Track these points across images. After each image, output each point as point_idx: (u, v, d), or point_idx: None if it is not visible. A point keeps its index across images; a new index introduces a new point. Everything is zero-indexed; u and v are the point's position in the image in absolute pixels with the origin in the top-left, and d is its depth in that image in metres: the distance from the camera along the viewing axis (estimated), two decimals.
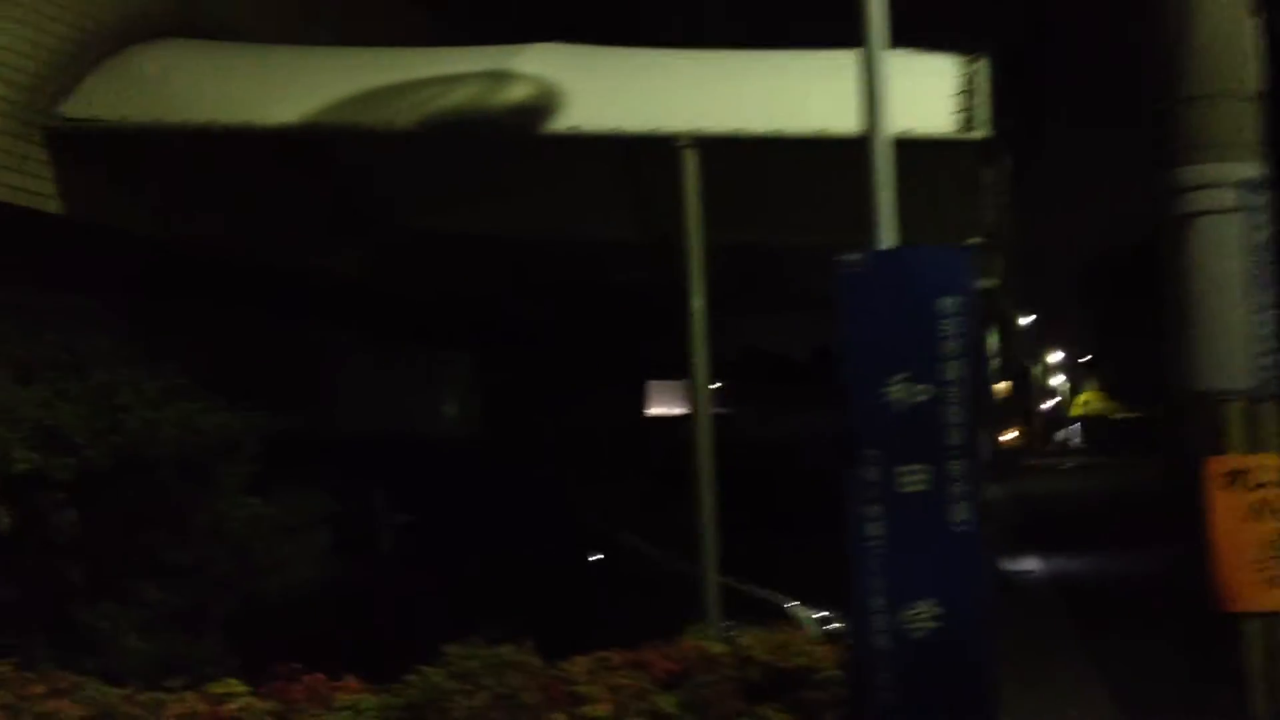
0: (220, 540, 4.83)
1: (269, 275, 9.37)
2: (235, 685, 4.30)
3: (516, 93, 6.87)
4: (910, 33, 5.99)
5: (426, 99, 6.92)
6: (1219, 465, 6.22)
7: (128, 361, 5.09)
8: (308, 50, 8.10)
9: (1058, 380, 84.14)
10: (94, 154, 7.38)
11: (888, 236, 5.24)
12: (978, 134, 6.43)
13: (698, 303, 6.54)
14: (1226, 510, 6.18)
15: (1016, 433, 53.25)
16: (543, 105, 6.79)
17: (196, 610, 4.75)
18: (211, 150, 7.72)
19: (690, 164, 6.42)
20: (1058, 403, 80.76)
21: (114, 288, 8.65)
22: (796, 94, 6.65)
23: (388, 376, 13.21)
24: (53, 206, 7.23)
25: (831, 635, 6.30)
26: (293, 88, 7.33)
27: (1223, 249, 6.24)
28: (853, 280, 5.16)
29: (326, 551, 5.10)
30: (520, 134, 6.82)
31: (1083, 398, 69.23)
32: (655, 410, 20.44)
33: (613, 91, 7.13)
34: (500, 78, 6.97)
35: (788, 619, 6.73)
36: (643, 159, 7.67)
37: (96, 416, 4.55)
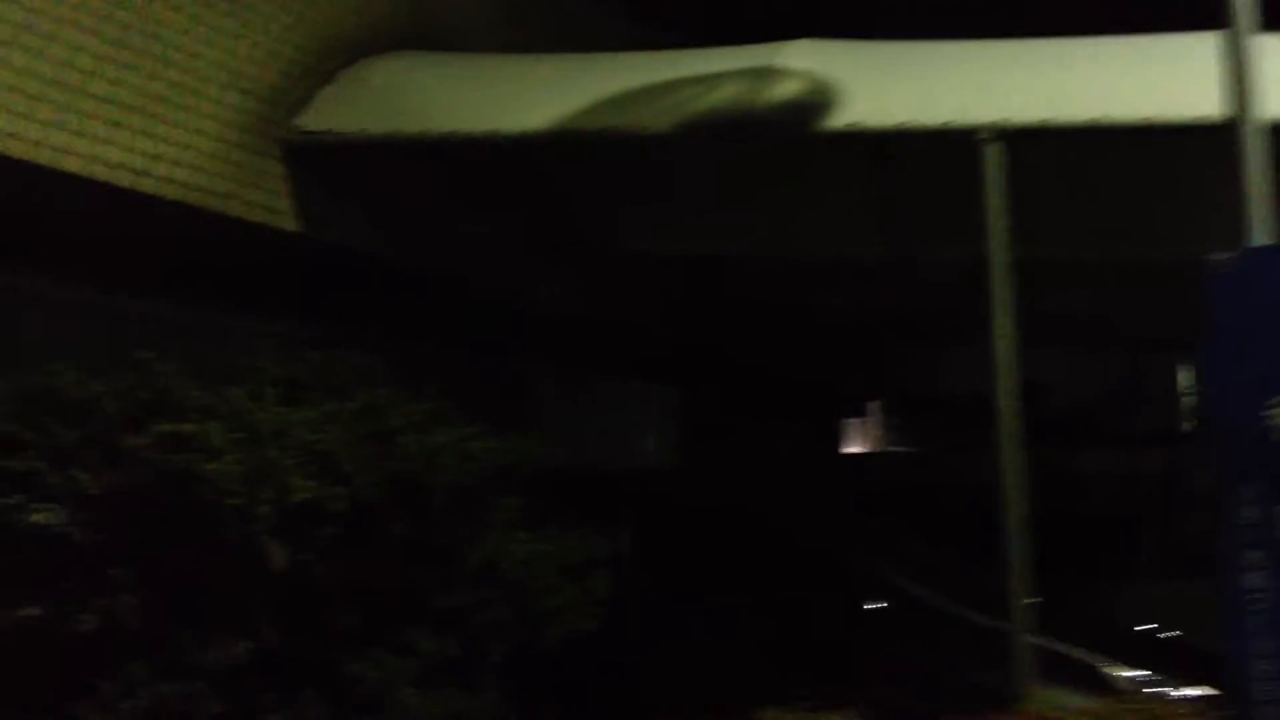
0: (493, 581, 4.30)
1: (485, 297, 8.94)
2: None
3: (784, 90, 6.28)
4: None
5: (683, 101, 6.38)
6: None
7: (379, 383, 4.62)
8: (545, 58, 7.65)
9: None
10: (327, 168, 7.03)
11: (1261, 233, 4.47)
12: None
13: (1003, 324, 5.74)
14: None
15: None
16: (814, 102, 6.18)
17: (472, 660, 4.24)
18: (442, 165, 7.32)
19: (993, 160, 5.70)
20: None
21: (338, 308, 8.31)
22: (1107, 81, 5.89)
23: (588, 408, 12.75)
24: (288, 224, 6.89)
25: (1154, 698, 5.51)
26: (534, 95, 6.87)
27: None
28: (1224, 285, 4.39)
29: (606, 596, 4.53)
30: (791, 133, 6.22)
31: None
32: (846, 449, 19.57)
33: (890, 87, 6.48)
34: (764, 75, 6.39)
35: (1101, 679, 5.92)
36: (905, 162, 6.99)
37: (366, 441, 4.07)
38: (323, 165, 7.00)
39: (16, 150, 5.33)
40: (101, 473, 3.69)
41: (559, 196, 8.05)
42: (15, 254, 6.53)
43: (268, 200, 6.75)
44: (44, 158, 5.47)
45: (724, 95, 6.36)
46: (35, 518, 3.98)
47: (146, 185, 5.99)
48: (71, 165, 5.60)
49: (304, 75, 7.05)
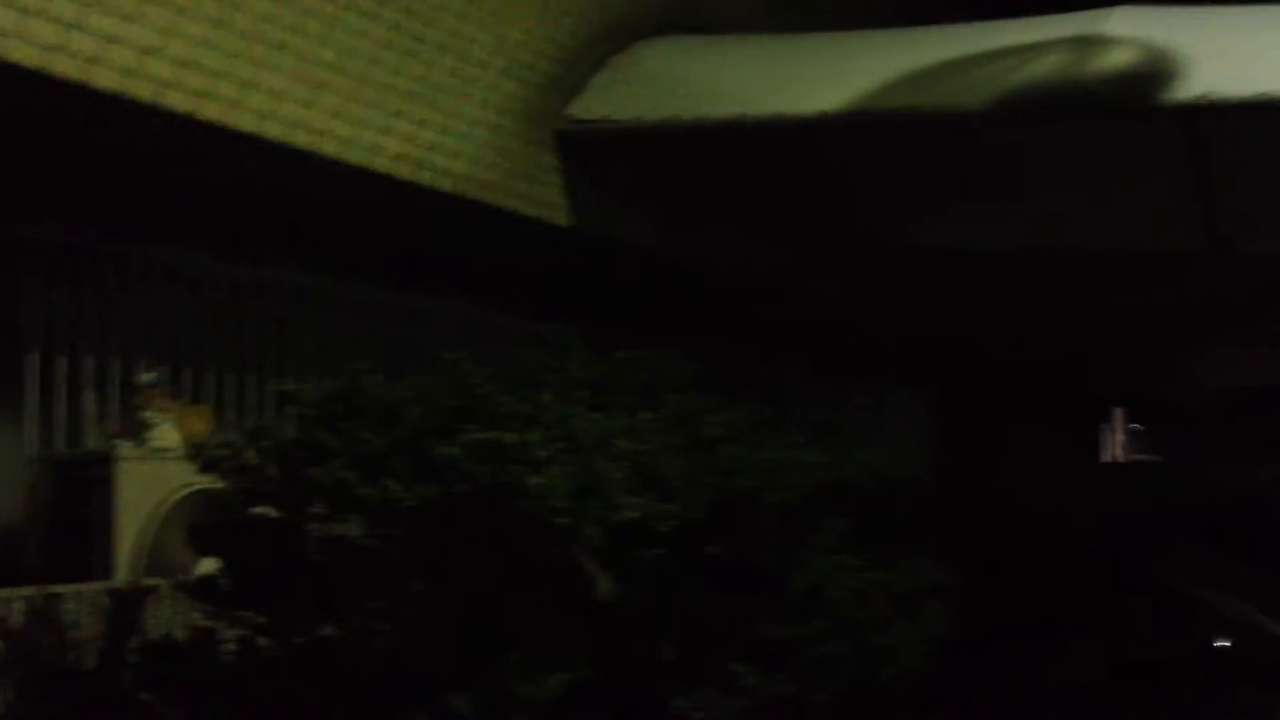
0: (821, 611, 3.82)
1: (759, 295, 8.48)
2: None
3: (1114, 59, 5.60)
4: None
5: (997, 74, 5.77)
6: None
7: (683, 387, 4.18)
8: (825, 37, 7.13)
9: None
10: (599, 159, 6.68)
11: None
12: None
13: None
14: None
15: None
16: (1150, 72, 5.48)
17: (799, 700, 3.77)
18: (718, 153, 6.88)
19: None
20: None
21: (602, 305, 7.97)
22: None
23: (839, 412, 12.14)
24: (562, 218, 6.56)
25: None
26: (820, 75, 6.36)
27: None
28: None
29: (942, 633, 4.00)
30: (1125, 106, 5.53)
31: None
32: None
33: (1226, 54, 5.72)
34: (1088, 44, 5.72)
35: None
36: (1236, 139, 6.21)
37: (686, 452, 3.64)
38: (595, 155, 6.64)
39: (302, 140, 5.11)
40: (414, 484, 3.36)
41: (838, 186, 7.52)
42: (292, 250, 6.40)
43: (541, 193, 6.42)
44: (329, 148, 5.23)
45: (1046, 66, 5.71)
46: (339, 530, 3.69)
47: (425, 178, 5.72)
48: (354, 156, 5.36)
49: (576, 62, 6.70)
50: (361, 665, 3.57)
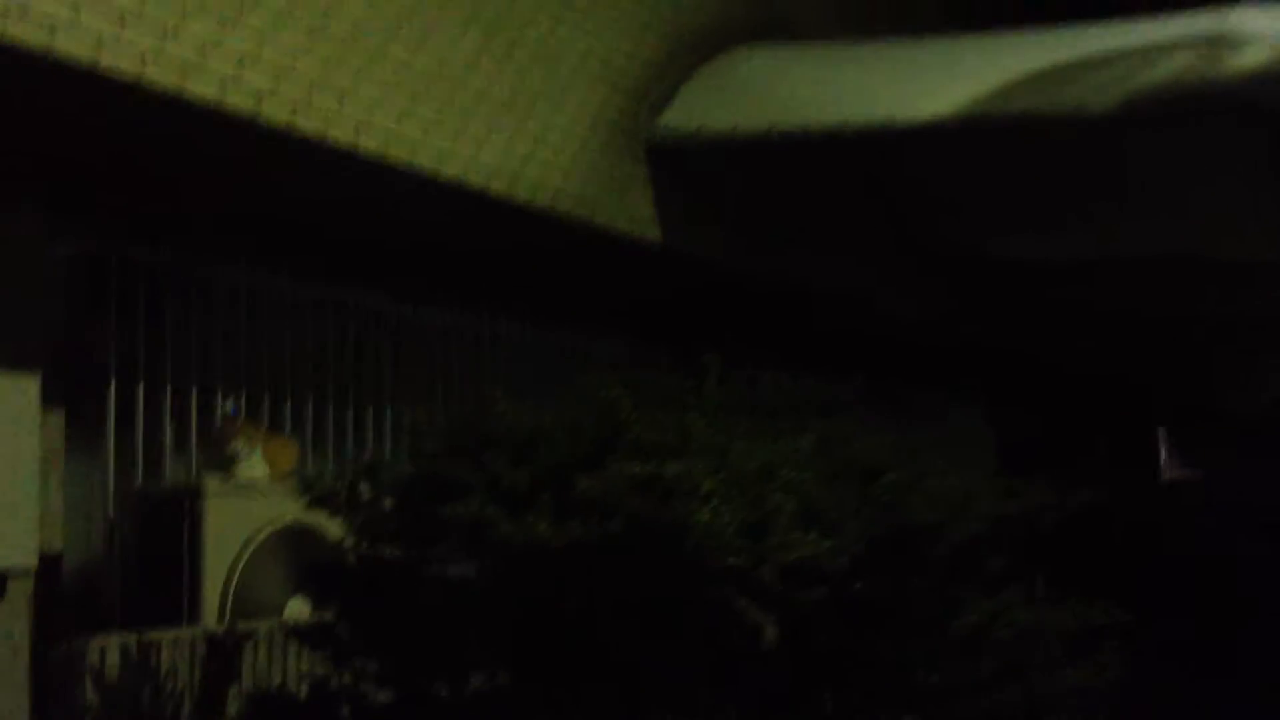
0: (984, 655, 3.49)
1: (837, 312, 8.15)
2: None
3: (1249, 58, 5.26)
4: None
5: (1123, 75, 5.44)
6: None
7: (827, 410, 3.86)
8: (927, 43, 6.80)
9: None
10: (689, 172, 6.38)
11: None
12: None
13: None
14: None
15: None
16: None
17: None
18: (815, 164, 6.57)
19: None
20: None
21: (681, 326, 7.67)
22: None
23: (899, 427, 11.77)
24: (653, 233, 6.26)
25: None
26: (933, 80, 6.04)
27: None
28: None
29: (1119, 677, 3.65)
30: (1262, 106, 5.20)
31: None
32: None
33: None
34: (1220, 43, 5.39)
35: None
36: None
37: (843, 482, 3.33)
38: (685, 168, 6.34)
39: (397, 154, 4.83)
40: (558, 522, 3.06)
41: (931, 197, 7.21)
42: (374, 272, 6.13)
43: (633, 208, 6.12)
44: (423, 160, 4.95)
45: (1172, 68, 5.38)
46: (457, 571, 3.39)
47: (520, 192, 5.43)
48: (451, 169, 5.07)
49: (665, 71, 6.41)
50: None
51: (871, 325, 8.32)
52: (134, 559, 4.85)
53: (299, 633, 3.73)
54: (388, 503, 3.58)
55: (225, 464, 4.90)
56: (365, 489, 3.62)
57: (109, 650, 3.86)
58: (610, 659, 3.16)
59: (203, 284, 5.49)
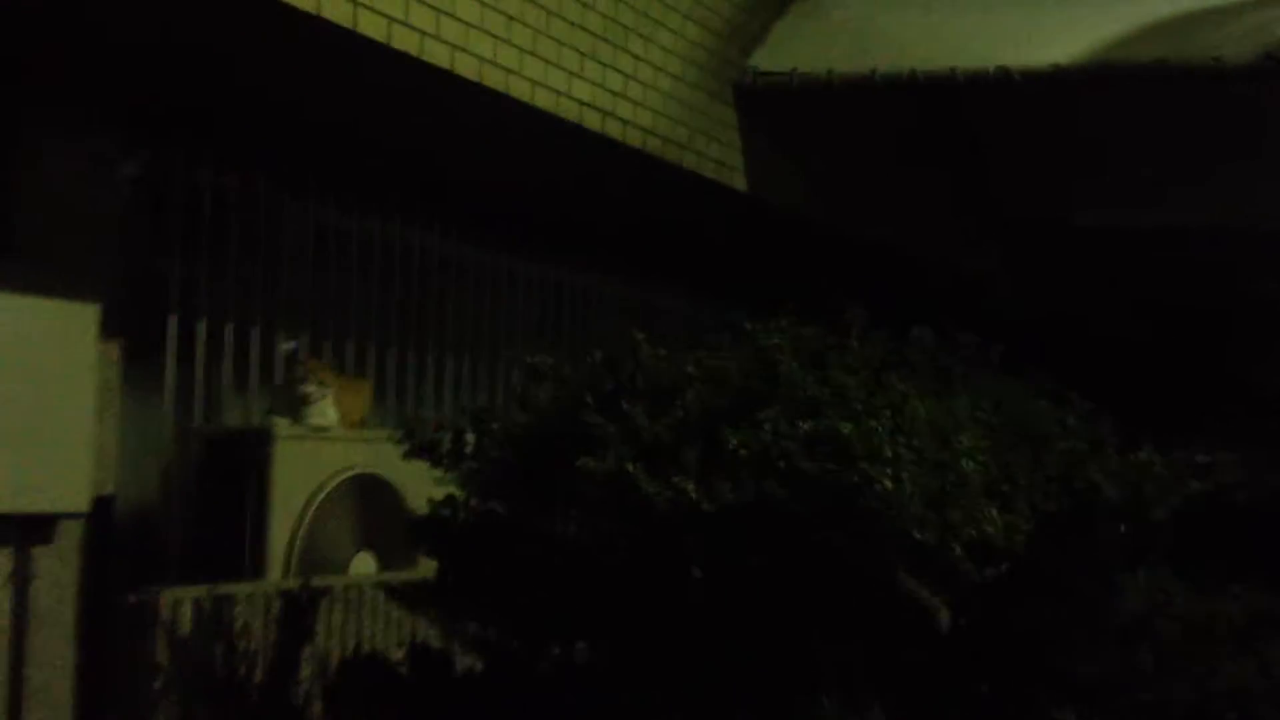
0: (1144, 645, 3.17)
1: (910, 271, 7.80)
2: None
3: None
4: None
5: (1259, 25, 5.07)
6: None
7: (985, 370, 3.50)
8: None
9: None
10: (777, 116, 6.02)
11: None
12: None
13: None
14: None
15: None
16: None
17: None
18: (912, 111, 6.21)
19: None
20: None
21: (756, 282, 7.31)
22: None
23: None
24: (739, 181, 5.91)
25: None
26: (1046, 26, 5.67)
27: None
28: None
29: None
30: None
31: None
32: None
33: None
34: None
35: None
36: None
37: (1018, 451, 2.99)
38: (774, 112, 5.99)
39: (493, 79, 4.47)
40: (707, 481, 2.73)
41: (1047, 153, 6.82)
42: (445, 214, 5.79)
43: (720, 152, 5.77)
44: (518, 90, 4.59)
45: None
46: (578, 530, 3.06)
47: (613, 128, 5.07)
48: (543, 100, 4.72)
49: (757, 8, 6.05)
50: (617, 692, 2.95)
51: (947, 291, 7.97)
52: (193, 504, 4.52)
53: (396, 592, 3.40)
54: (495, 453, 3.25)
55: (295, 407, 4.57)
56: (472, 439, 3.30)
57: (182, 606, 3.54)
58: (754, 636, 2.84)
59: (271, 216, 5.15)
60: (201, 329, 4.91)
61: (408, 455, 3.40)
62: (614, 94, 5.07)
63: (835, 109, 5.93)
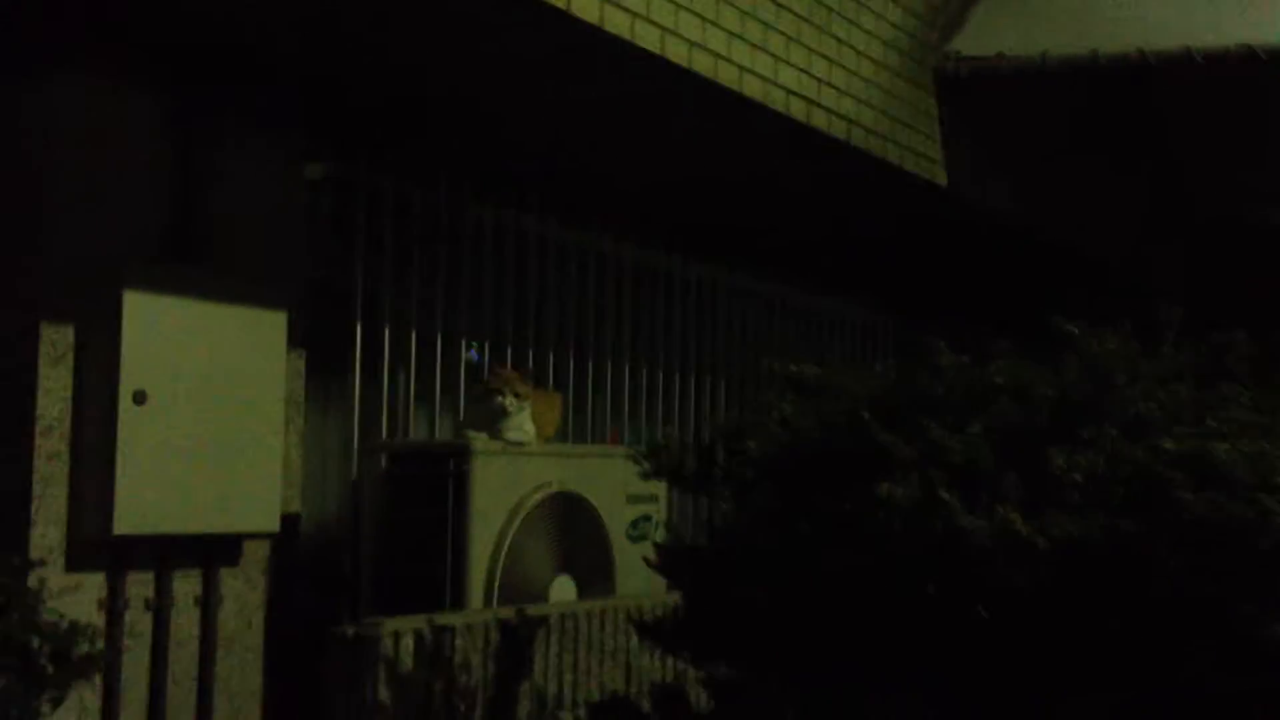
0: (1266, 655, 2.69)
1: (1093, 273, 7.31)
2: None
3: None
4: None
5: None
6: None
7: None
8: None
9: None
10: (978, 106, 5.61)
11: None
12: None
13: None
14: None
15: None
16: None
17: None
18: (1132, 99, 5.75)
19: None
20: None
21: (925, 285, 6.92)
22: None
23: None
24: (940, 176, 5.51)
25: None
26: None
27: None
28: None
29: None
30: None
31: None
32: None
33: None
34: None
35: None
36: None
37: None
38: (975, 100, 5.58)
39: (702, 65, 4.14)
40: (1034, 512, 2.34)
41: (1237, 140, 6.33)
42: (638, 222, 5.47)
43: (921, 144, 5.38)
44: (726, 76, 4.26)
45: None
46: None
47: (818, 119, 4.71)
48: (752, 89, 4.38)
49: None
50: None
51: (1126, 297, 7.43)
52: (382, 524, 4.25)
53: (646, 628, 3.07)
54: (749, 475, 2.90)
55: (491, 419, 4.27)
56: (722, 459, 2.95)
57: (403, 636, 3.25)
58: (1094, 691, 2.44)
59: (455, 220, 4.87)
60: (385, 337, 4.66)
61: (650, 476, 3.07)
62: (819, 81, 4.71)
63: (1049, 96, 5.50)
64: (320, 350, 4.46)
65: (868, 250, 6.12)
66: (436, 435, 4.75)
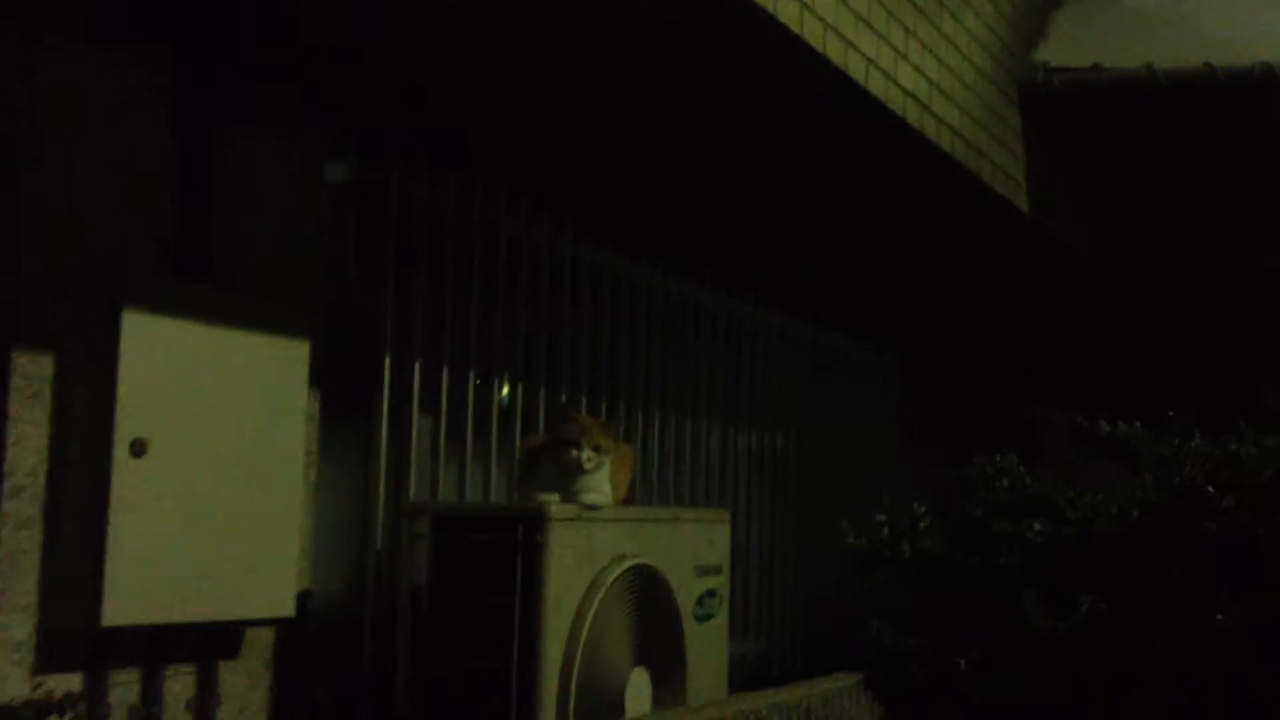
0: None
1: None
2: None
3: None
4: None
5: None
6: None
7: None
8: None
9: None
10: (1060, 123, 5.02)
11: None
12: None
13: None
14: None
15: None
16: None
17: None
18: (1217, 117, 5.21)
19: None
20: None
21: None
22: None
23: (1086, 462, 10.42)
24: (1022, 200, 4.88)
25: None
26: None
27: None
28: None
29: None
30: None
31: None
32: None
33: None
34: None
35: None
36: None
37: None
38: (1061, 116, 4.99)
39: (834, 52, 3.43)
40: None
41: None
42: (690, 255, 4.72)
43: (1010, 163, 4.75)
44: (854, 67, 3.55)
45: None
46: None
47: (929, 127, 4.04)
48: (875, 85, 3.68)
49: None
50: None
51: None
52: (426, 607, 3.41)
53: None
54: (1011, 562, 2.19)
55: (562, 478, 3.47)
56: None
57: None
58: None
59: (491, 236, 4.08)
60: (416, 374, 3.83)
61: (862, 567, 2.33)
62: (930, 83, 4.04)
63: (1149, 112, 4.91)
64: (338, 388, 3.62)
65: (949, 283, 5.45)
66: (468, 494, 3.94)
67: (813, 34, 3.28)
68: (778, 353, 5.61)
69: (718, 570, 4.10)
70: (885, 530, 2.51)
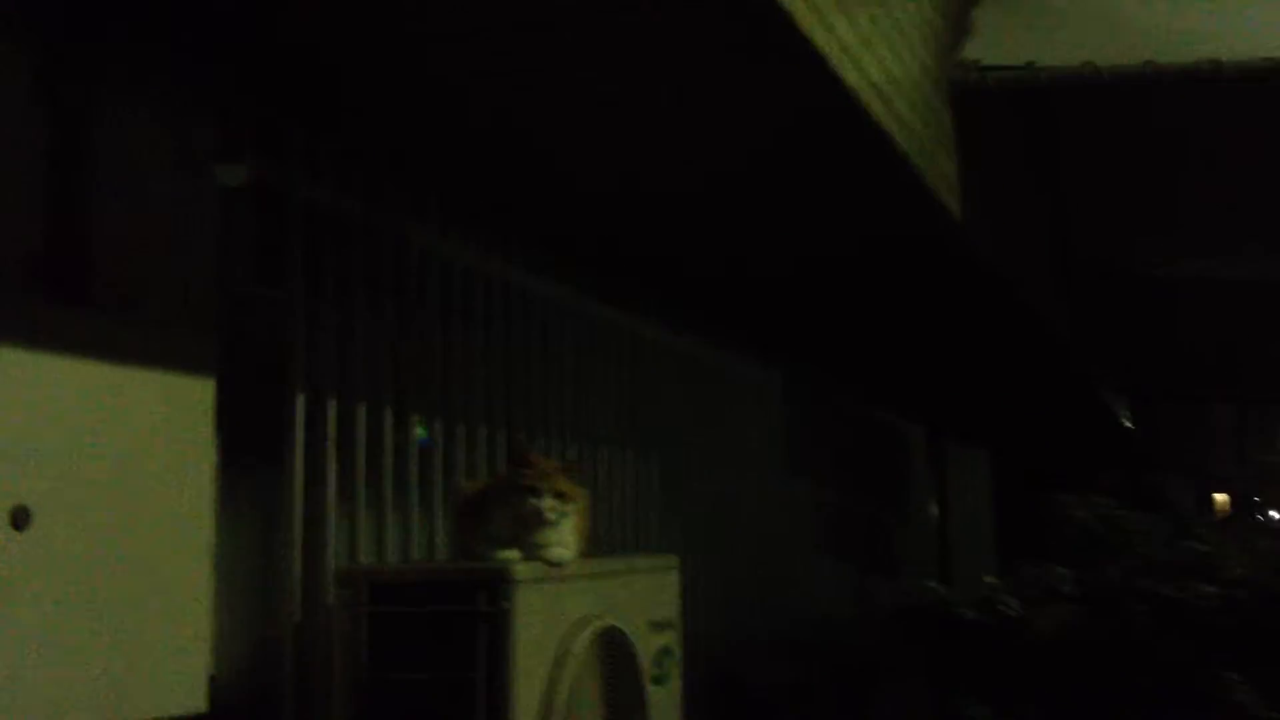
0: None
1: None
2: None
3: None
4: None
5: None
6: None
7: None
8: None
9: None
10: (992, 125, 4.76)
11: None
12: None
13: None
14: None
15: None
16: None
17: None
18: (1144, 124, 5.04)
19: None
20: None
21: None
22: None
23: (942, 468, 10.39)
24: (955, 209, 4.56)
25: None
26: None
27: None
28: None
29: None
30: None
31: None
32: None
33: None
34: None
35: None
36: None
37: None
38: (986, 119, 4.72)
39: (824, 42, 3.02)
40: None
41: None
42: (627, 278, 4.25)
43: (946, 169, 4.45)
44: (834, 51, 3.16)
45: None
46: None
47: (889, 122, 3.67)
48: (850, 75, 3.29)
49: None
50: None
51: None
52: (366, 690, 2.85)
53: None
54: None
55: (521, 531, 2.96)
56: None
57: None
58: None
59: (410, 251, 3.54)
60: (331, 410, 3.26)
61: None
62: (890, 78, 3.69)
63: (1081, 113, 4.68)
64: (239, 431, 3.04)
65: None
66: (387, 551, 3.39)
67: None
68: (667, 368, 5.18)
69: (670, 625, 3.65)
70: None
